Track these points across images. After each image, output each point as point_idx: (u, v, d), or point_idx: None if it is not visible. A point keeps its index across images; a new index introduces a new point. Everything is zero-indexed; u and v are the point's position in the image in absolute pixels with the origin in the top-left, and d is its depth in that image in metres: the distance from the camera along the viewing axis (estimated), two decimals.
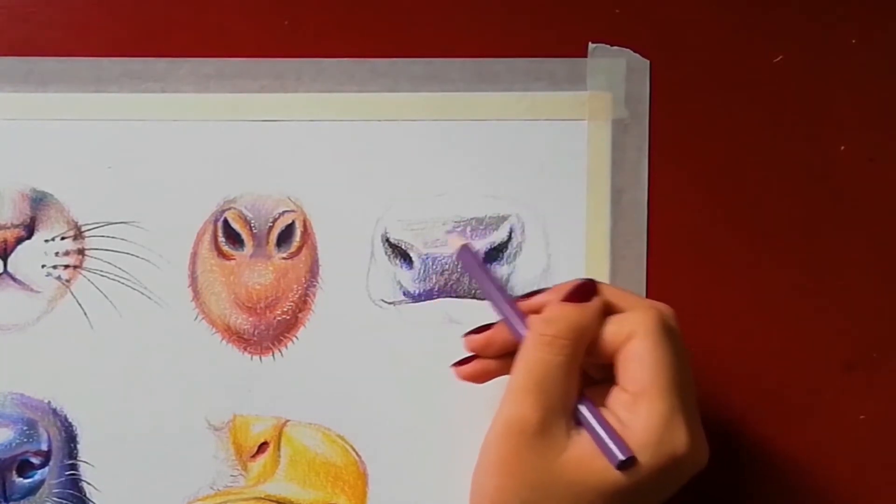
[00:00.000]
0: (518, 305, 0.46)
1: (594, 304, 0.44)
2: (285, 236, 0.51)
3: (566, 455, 0.42)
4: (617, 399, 0.43)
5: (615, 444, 0.41)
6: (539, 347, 0.43)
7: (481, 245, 0.51)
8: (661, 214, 0.51)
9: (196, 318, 0.51)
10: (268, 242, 0.51)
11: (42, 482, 0.50)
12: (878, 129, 0.52)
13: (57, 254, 0.51)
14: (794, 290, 0.52)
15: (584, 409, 0.43)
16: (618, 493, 0.42)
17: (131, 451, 0.51)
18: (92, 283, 0.51)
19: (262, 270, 0.51)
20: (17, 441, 0.51)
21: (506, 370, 0.45)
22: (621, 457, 0.41)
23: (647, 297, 0.51)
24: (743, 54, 0.52)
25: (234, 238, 0.51)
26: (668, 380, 0.42)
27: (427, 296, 0.51)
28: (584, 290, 0.44)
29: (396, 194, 0.51)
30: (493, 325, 0.46)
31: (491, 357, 0.46)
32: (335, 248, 0.51)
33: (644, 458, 0.41)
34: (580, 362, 0.43)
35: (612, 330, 0.44)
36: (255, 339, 0.51)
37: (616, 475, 0.41)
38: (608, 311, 0.44)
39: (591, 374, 0.45)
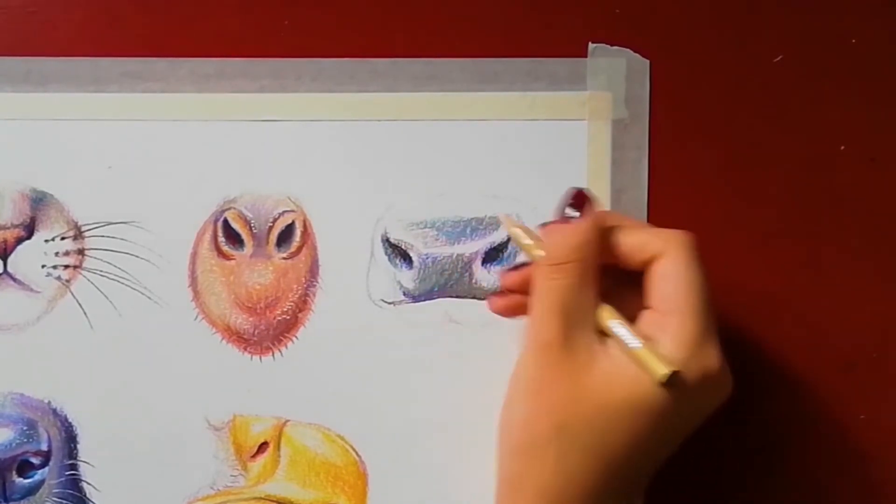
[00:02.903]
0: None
1: (588, 221, 0.44)
2: (285, 236, 0.51)
3: (594, 371, 0.42)
4: (646, 317, 0.43)
5: (657, 358, 0.41)
6: (548, 276, 0.44)
7: (481, 245, 0.51)
8: (661, 214, 0.51)
9: (196, 318, 0.51)
10: (268, 242, 0.51)
11: (42, 482, 0.50)
12: (878, 129, 0.52)
13: (57, 254, 0.51)
14: (794, 290, 0.52)
15: (616, 327, 0.43)
16: (648, 409, 0.41)
17: (131, 451, 0.51)
18: (92, 283, 0.51)
19: (262, 270, 0.51)
20: (17, 441, 0.51)
21: None
22: (664, 370, 0.40)
23: None
24: (743, 54, 0.52)
25: (234, 238, 0.51)
26: (699, 300, 0.42)
27: (427, 296, 0.51)
28: (577, 200, 0.45)
29: (396, 194, 0.51)
30: (530, 265, 0.46)
31: (526, 293, 0.46)
32: (335, 248, 0.51)
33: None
34: (593, 277, 0.44)
35: (638, 242, 0.44)
36: (255, 339, 0.51)
37: (644, 389, 0.41)
38: (611, 224, 0.45)
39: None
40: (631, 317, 0.44)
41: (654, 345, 0.42)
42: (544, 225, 0.46)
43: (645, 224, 0.47)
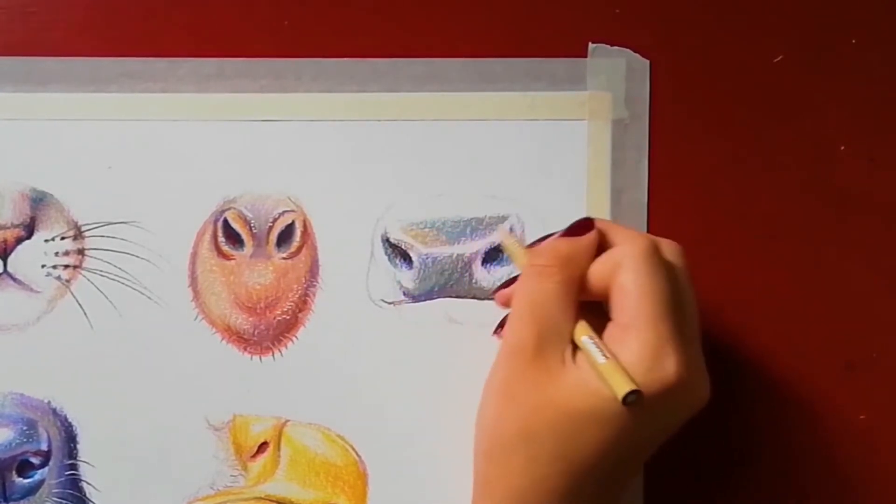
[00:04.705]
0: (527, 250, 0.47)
1: (586, 237, 0.45)
2: (285, 236, 0.51)
3: (562, 381, 0.42)
4: (609, 332, 0.43)
5: (621, 376, 0.41)
6: (531, 276, 0.44)
7: (481, 245, 0.51)
8: (661, 214, 0.51)
9: (196, 318, 0.51)
10: (268, 242, 0.51)
11: (42, 482, 0.51)
12: (878, 129, 0.52)
13: (57, 254, 0.51)
14: (794, 290, 0.52)
15: (586, 342, 0.43)
16: (611, 422, 0.41)
17: (131, 451, 0.51)
18: (92, 283, 0.51)
19: (262, 270, 0.51)
20: (17, 441, 0.51)
21: None
22: (625, 389, 0.40)
23: None
24: (743, 54, 0.52)
25: (234, 238, 0.51)
26: (655, 309, 0.42)
27: (427, 296, 0.51)
28: (579, 226, 0.46)
29: (396, 194, 0.51)
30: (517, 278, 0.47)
31: None
32: (335, 248, 0.51)
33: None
34: (574, 291, 0.44)
35: (602, 262, 0.44)
36: (255, 339, 0.51)
37: (608, 403, 0.41)
38: (604, 245, 0.45)
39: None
40: (600, 330, 0.44)
41: (619, 362, 0.42)
42: (540, 239, 0.47)
43: (622, 230, 0.47)
